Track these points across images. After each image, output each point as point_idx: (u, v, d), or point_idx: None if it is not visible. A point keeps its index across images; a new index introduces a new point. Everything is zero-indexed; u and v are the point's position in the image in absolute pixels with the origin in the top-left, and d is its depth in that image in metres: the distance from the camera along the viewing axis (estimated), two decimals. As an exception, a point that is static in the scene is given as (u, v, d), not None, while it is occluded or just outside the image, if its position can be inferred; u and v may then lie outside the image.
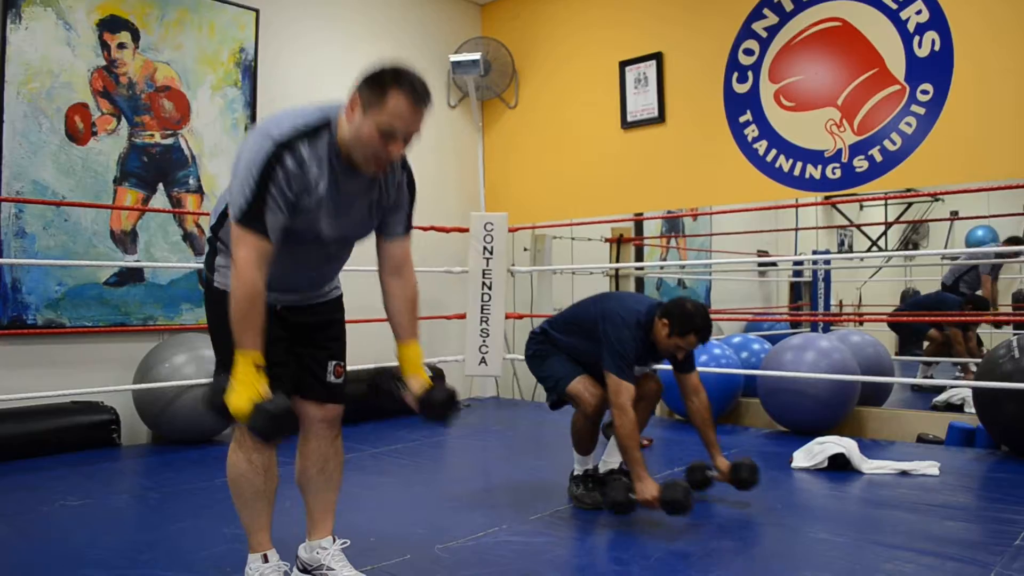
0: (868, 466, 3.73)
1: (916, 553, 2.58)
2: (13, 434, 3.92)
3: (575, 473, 3.22)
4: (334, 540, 2.23)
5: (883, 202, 10.46)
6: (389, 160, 1.91)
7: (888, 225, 10.51)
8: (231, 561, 2.38)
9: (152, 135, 4.70)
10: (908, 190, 10.10)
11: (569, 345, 3.19)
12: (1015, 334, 4.33)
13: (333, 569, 2.19)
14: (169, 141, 4.78)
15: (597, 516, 3.02)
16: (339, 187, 1.95)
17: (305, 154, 1.87)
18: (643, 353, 3.03)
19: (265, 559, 2.13)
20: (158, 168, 4.73)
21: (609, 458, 3.31)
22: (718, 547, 2.67)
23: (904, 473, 3.67)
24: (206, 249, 2.16)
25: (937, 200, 10.18)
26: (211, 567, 2.44)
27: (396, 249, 2.14)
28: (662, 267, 8.40)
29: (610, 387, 2.93)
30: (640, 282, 7.17)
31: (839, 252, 10.29)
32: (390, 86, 1.84)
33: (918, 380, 5.77)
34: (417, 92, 1.86)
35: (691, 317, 2.94)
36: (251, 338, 1.85)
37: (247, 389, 1.82)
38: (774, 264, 9.94)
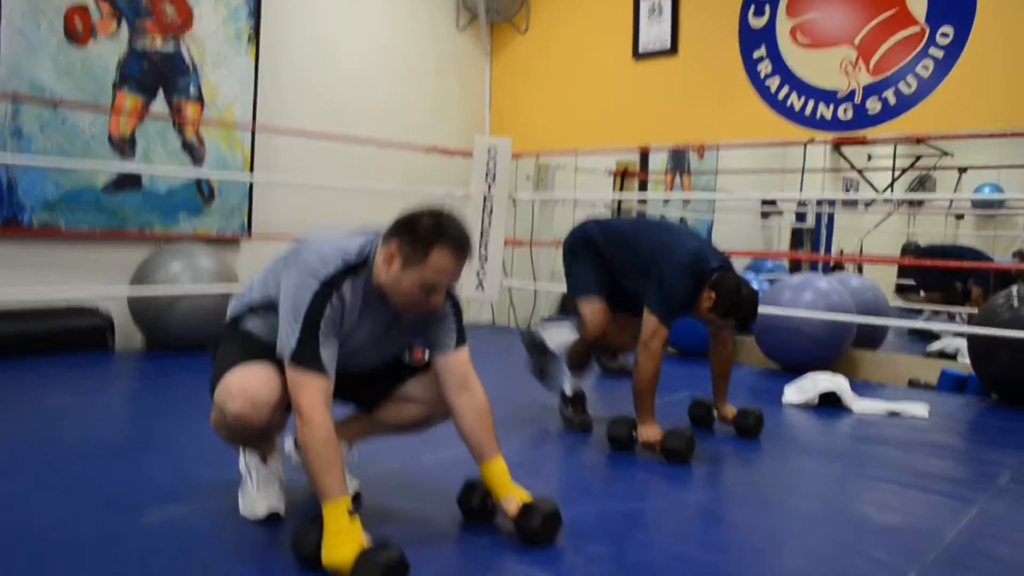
0: (858, 405, 3.74)
1: (901, 486, 2.60)
2: (6, 334, 3.93)
3: (566, 393, 3.23)
4: (350, 447, 2.21)
5: (891, 154, 10.35)
6: (430, 309, 1.89)
7: (898, 174, 10.39)
8: (220, 458, 2.39)
9: (153, 39, 4.60)
10: (918, 142, 9.98)
11: (611, 259, 3.04)
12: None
13: None
14: (170, 48, 4.67)
15: (586, 436, 3.04)
16: (371, 319, 1.91)
17: (347, 291, 1.83)
18: (686, 304, 2.90)
19: (263, 460, 2.09)
20: (158, 74, 4.64)
21: (549, 336, 3.32)
22: (704, 471, 2.69)
23: (894, 414, 3.68)
24: (216, 346, 2.05)
25: (946, 155, 10.07)
26: (199, 462, 2.46)
27: (453, 363, 2.02)
28: (665, 203, 8.32)
29: (647, 326, 2.81)
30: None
31: (844, 195, 10.21)
32: (432, 243, 1.78)
33: (915, 324, 5.75)
34: (460, 244, 1.81)
35: (740, 305, 2.77)
36: (337, 485, 1.72)
37: (347, 540, 1.67)
38: (774, 203, 9.87)
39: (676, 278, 2.79)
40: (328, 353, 1.79)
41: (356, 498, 2.16)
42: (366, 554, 1.63)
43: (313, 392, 1.76)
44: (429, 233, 1.79)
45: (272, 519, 2.01)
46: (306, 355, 1.77)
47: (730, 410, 3.15)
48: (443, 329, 2.01)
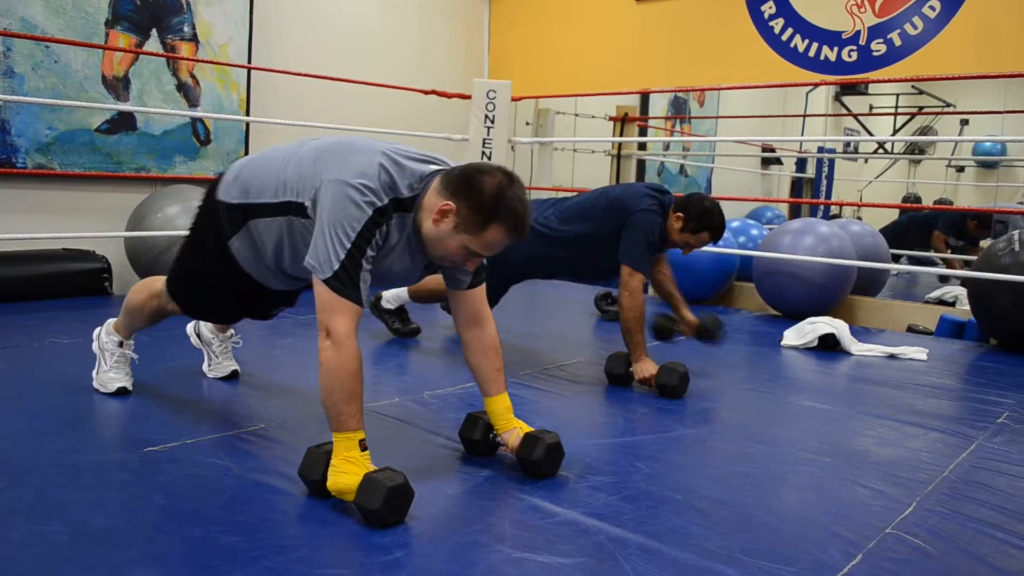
0: (857, 348, 3.74)
1: (900, 423, 2.61)
2: (3, 278, 3.88)
3: (389, 308, 3.54)
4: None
5: (892, 105, 10.25)
6: (464, 266, 1.90)
7: (900, 124, 10.31)
8: (217, 395, 2.39)
9: (145, -23, 4.51)
10: (920, 92, 9.88)
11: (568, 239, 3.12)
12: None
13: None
14: (163, -15, 4.58)
15: (585, 376, 3.03)
16: (401, 251, 1.87)
17: (394, 225, 1.79)
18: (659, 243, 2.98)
19: (120, 344, 2.43)
20: (152, 13, 4.55)
21: (392, 299, 3.55)
22: (702, 407, 2.70)
23: (893, 356, 3.69)
24: (221, 216, 2.01)
25: (948, 105, 9.98)
26: (196, 400, 2.45)
27: (470, 300, 2.01)
28: (666, 149, 8.25)
29: (623, 273, 2.89)
30: (641, 165, 7.06)
31: (844, 153, 10.15)
32: (492, 219, 1.74)
33: (917, 268, 5.72)
34: (518, 224, 1.76)
35: (708, 215, 2.86)
36: (356, 417, 1.70)
37: (354, 467, 1.66)
38: (772, 151, 9.80)
39: (650, 220, 2.89)
40: (366, 284, 1.77)
41: (234, 375, 2.65)
42: (371, 476, 1.63)
43: (350, 318, 1.73)
44: (491, 205, 1.73)
45: (120, 393, 2.40)
46: (347, 282, 1.72)
47: (690, 316, 3.19)
48: (463, 268, 1.98)
